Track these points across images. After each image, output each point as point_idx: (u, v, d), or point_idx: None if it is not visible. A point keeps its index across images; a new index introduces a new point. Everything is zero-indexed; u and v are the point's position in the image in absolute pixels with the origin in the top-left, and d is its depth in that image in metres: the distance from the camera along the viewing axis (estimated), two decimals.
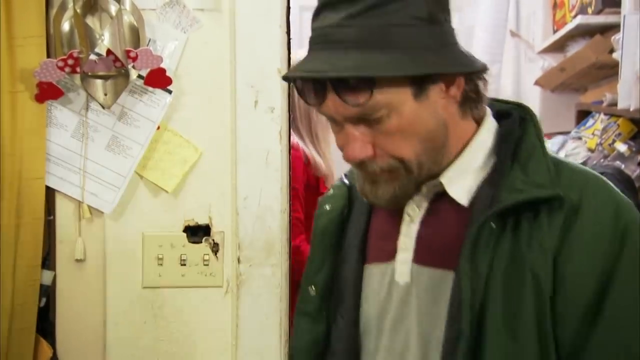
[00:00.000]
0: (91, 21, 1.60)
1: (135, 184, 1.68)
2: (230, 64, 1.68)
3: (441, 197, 1.14)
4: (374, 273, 1.21)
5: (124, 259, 1.68)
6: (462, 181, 1.12)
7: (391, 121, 1.07)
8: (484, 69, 1.14)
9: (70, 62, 1.57)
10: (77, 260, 1.65)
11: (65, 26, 1.59)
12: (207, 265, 1.70)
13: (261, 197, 1.70)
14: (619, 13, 2.29)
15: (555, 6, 2.82)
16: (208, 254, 1.70)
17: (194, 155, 1.69)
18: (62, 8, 1.59)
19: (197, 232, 1.71)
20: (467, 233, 1.07)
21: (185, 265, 1.70)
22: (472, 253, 1.05)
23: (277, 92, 1.69)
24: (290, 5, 1.70)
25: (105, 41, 1.57)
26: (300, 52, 1.71)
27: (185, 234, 1.70)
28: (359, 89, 1.04)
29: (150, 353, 1.70)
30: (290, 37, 1.71)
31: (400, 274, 1.16)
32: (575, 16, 2.52)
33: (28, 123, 1.60)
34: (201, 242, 1.70)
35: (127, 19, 1.60)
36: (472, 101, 1.15)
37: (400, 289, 1.16)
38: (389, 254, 1.18)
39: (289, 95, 1.72)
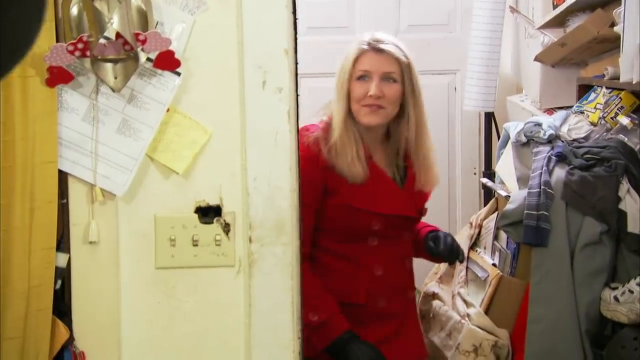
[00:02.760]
0: (99, 5, 1.62)
1: (147, 166, 1.71)
2: (237, 45, 1.70)
3: None
4: None
5: (136, 241, 1.71)
6: None
7: None
8: None
9: (80, 46, 1.59)
10: (91, 243, 1.68)
11: (74, 10, 1.61)
12: (219, 245, 1.73)
13: (271, 177, 1.73)
14: None
15: None
16: (220, 234, 1.73)
17: (203, 137, 1.71)
18: None
19: (208, 213, 1.74)
20: None
21: (197, 245, 1.72)
22: None
23: (284, 73, 1.71)
24: None
25: (114, 25, 1.60)
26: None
27: (196, 215, 1.72)
28: None
29: (164, 332, 1.73)
30: (297, 17, 1.73)
31: None
32: None
33: (39, 107, 1.62)
34: (212, 222, 1.73)
35: (135, 2, 1.62)
36: None
37: None
38: None
39: (296, 76, 1.75)
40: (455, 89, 3.40)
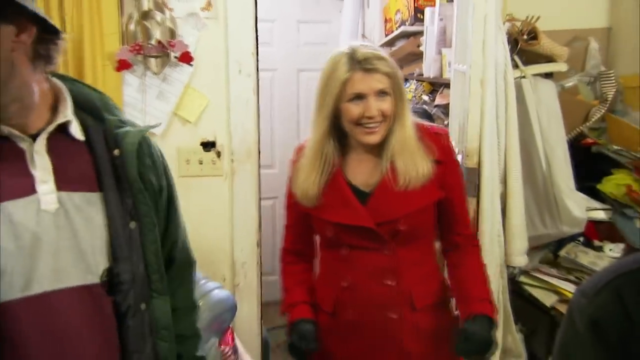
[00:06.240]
0: (147, 24, 1.89)
1: (173, 118, 1.97)
2: (224, 48, 1.97)
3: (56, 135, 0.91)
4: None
5: (169, 161, 1.85)
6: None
7: None
8: (55, 31, 0.85)
9: (137, 48, 1.89)
10: None
11: (132, 26, 1.89)
12: (214, 164, 2.02)
13: (244, 125, 2.01)
14: (423, 25, 2.73)
15: (385, 21, 3.32)
16: (214, 158, 2.02)
17: (204, 102, 1.99)
18: (130, 16, 1.89)
19: (207, 145, 2.00)
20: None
21: (202, 164, 2.01)
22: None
23: (252, 65, 1.99)
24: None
25: (157, 35, 1.89)
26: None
27: (201, 147, 2.00)
28: None
29: (186, 214, 1.94)
30: (258, 33, 2.02)
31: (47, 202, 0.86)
32: (399, 26, 2.97)
33: (111, 83, 1.87)
34: (210, 151, 2.00)
35: (167, 23, 1.93)
36: (42, 60, 0.89)
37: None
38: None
39: (258, 67, 2.04)
40: None
